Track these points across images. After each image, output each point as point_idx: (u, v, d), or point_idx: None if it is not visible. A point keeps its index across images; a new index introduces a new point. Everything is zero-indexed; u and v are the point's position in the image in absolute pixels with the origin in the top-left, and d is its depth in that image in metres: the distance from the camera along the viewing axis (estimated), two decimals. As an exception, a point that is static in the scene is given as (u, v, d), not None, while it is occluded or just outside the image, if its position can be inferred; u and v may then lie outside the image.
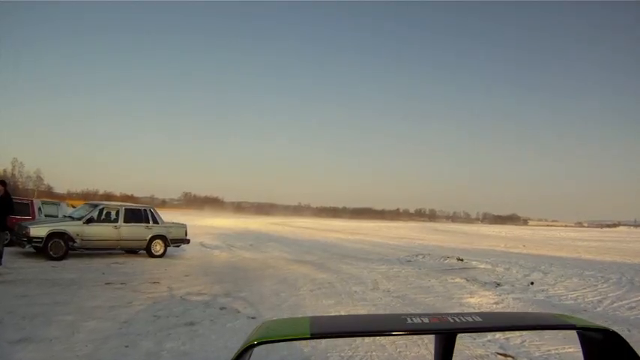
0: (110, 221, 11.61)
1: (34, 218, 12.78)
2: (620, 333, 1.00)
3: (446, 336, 1.17)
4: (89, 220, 11.13)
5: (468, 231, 51.20)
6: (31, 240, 10.46)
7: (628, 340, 0.98)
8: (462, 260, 13.89)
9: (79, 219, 11.17)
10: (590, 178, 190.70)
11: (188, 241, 13.13)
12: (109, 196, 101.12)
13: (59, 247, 10.63)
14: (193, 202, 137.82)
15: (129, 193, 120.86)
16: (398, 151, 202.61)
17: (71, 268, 9.69)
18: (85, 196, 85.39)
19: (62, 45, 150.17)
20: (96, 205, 11.80)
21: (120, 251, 12.03)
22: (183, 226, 13.17)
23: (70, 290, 7.33)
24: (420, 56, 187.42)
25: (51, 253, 10.54)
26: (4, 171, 70.46)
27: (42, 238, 10.49)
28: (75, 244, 10.86)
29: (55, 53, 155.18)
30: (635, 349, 0.98)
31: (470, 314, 1.05)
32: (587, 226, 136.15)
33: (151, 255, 12.06)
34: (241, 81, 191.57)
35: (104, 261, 10.87)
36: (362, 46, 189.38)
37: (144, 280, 8.52)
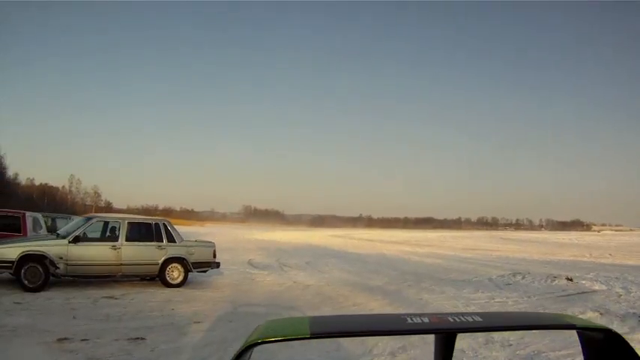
0: (107, 239, 8.72)
1: (25, 235, 10.16)
2: None
3: (446, 336, 1.11)
4: (77, 239, 8.23)
5: (538, 239, 47.32)
6: None
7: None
8: (571, 280, 11.07)
9: (65, 237, 8.31)
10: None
11: (217, 265, 9.95)
12: (168, 211, 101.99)
13: (36, 275, 7.79)
14: (253, 215, 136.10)
15: (189, 208, 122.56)
16: (458, 159, 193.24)
17: (38, 305, 6.76)
18: (145, 211, 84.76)
19: (116, 60, 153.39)
20: (89, 219, 8.93)
21: (123, 279, 8.97)
22: (211, 245, 10.03)
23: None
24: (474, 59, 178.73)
25: (25, 282, 7.73)
26: (63, 187, 71.93)
27: (12, 261, 7.69)
28: (57, 271, 7.99)
29: (110, 70, 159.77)
30: (636, 349, 0.95)
31: (470, 314, 1.00)
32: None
33: (167, 284, 9.02)
34: (301, 95, 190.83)
35: (96, 293, 7.88)
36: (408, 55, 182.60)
37: (124, 334, 5.34)
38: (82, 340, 5.00)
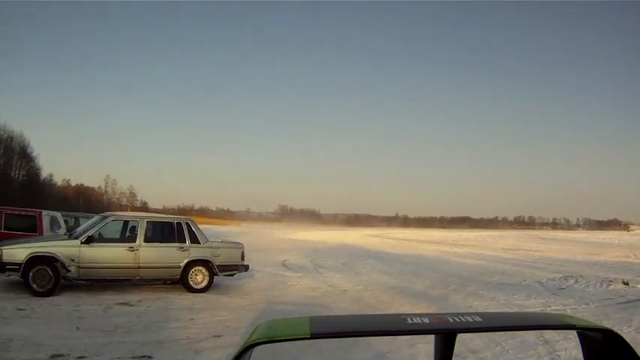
0: (124, 240, 8.01)
1: (42, 235, 9.60)
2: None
3: (446, 336, 1.09)
4: (90, 239, 7.52)
5: (576, 238, 45.25)
6: (4, 266, 7.06)
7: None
8: (627, 284, 10.48)
9: (78, 237, 7.60)
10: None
11: (246, 268, 9.09)
12: (204, 211, 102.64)
13: (45, 278, 7.12)
14: (289, 214, 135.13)
15: (225, 208, 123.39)
16: (494, 157, 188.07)
17: (42, 313, 6.08)
18: (181, 211, 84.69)
19: (148, 58, 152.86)
20: (104, 218, 8.23)
21: (142, 283, 8.20)
22: (239, 246, 9.17)
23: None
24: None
25: (34, 285, 7.07)
26: (99, 187, 72.93)
27: (19, 263, 7.05)
28: (69, 274, 7.29)
29: (143, 67, 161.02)
30: (635, 349, 0.94)
31: (470, 314, 0.99)
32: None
33: (190, 289, 8.21)
34: (336, 92, 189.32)
35: (110, 299, 7.15)
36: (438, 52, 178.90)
37: (129, 350, 4.52)
38: (79, 357, 4.22)
